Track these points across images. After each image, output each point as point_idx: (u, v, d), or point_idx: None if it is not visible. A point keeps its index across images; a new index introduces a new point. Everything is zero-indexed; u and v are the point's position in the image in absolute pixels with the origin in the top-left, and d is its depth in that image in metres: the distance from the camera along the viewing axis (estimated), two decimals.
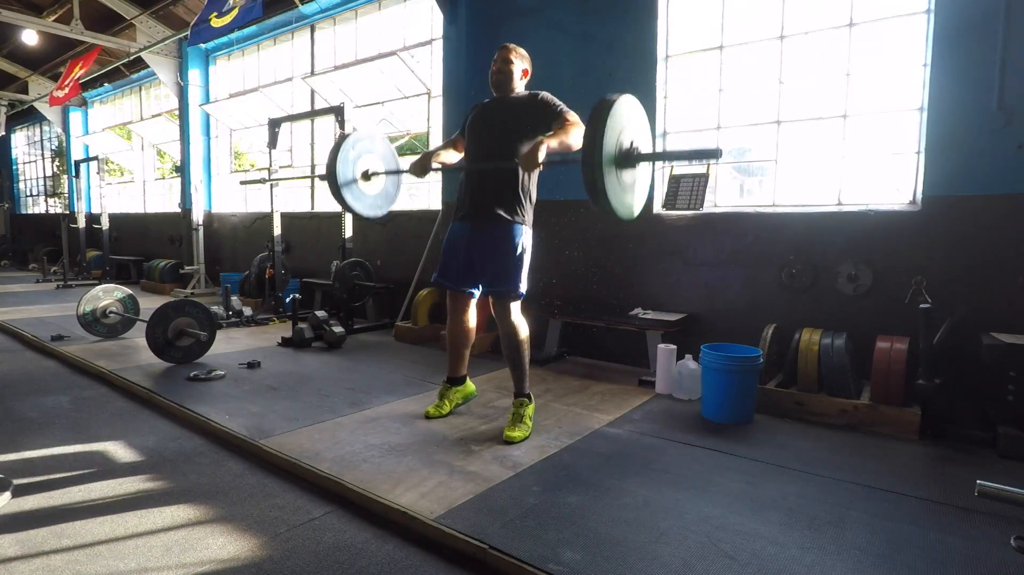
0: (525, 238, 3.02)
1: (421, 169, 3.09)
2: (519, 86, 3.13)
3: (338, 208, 6.01)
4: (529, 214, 3.05)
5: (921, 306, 3.10)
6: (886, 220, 3.63)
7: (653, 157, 2.56)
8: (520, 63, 3.11)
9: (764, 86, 4.20)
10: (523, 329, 3.07)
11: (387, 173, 3.36)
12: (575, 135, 2.72)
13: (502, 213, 2.97)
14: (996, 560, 1.94)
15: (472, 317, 3.25)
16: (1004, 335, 3.04)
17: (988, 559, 1.94)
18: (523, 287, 3.02)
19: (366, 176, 3.27)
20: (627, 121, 2.37)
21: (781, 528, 2.12)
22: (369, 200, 3.32)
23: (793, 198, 4.14)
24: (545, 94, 3.02)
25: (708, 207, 4.35)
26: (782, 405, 3.42)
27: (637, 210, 2.56)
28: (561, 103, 2.96)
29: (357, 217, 3.21)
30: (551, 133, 2.79)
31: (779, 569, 1.87)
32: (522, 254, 2.99)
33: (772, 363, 3.60)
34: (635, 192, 2.52)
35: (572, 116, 2.89)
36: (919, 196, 3.57)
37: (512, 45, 3.14)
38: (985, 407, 3.12)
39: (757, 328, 3.79)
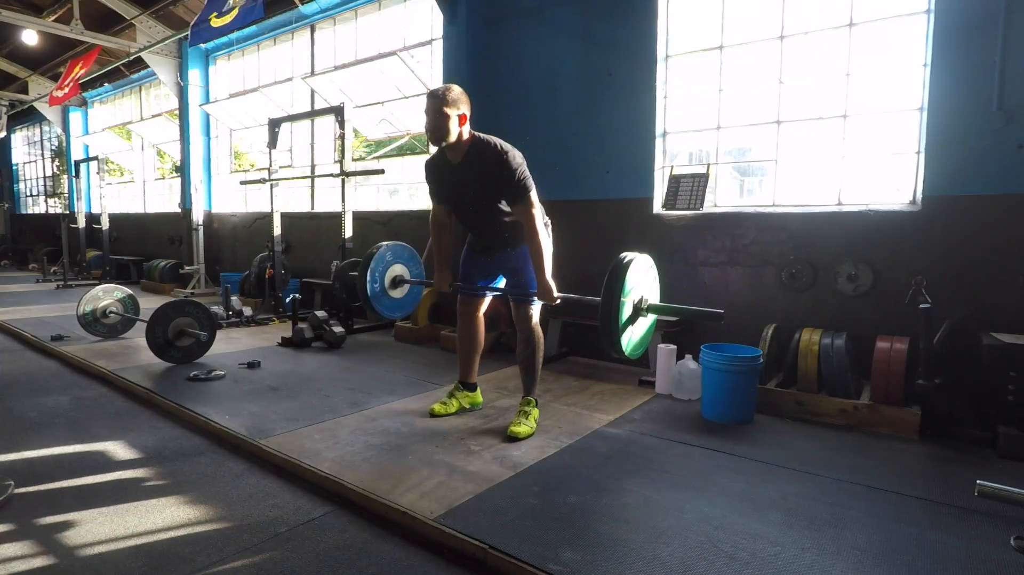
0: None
1: (449, 286, 3.24)
2: (462, 133, 2.84)
3: (338, 208, 6.05)
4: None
5: (921, 306, 3.10)
6: (886, 220, 3.63)
7: (661, 311, 2.77)
8: (455, 110, 2.77)
9: (764, 86, 4.20)
10: (541, 335, 3.16)
11: (414, 283, 3.64)
12: (542, 231, 2.87)
13: (513, 242, 3.07)
14: (996, 560, 1.94)
15: (481, 321, 3.36)
16: (1004, 335, 3.04)
17: (988, 559, 1.94)
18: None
19: (394, 284, 3.55)
20: (638, 280, 2.64)
21: (781, 528, 2.12)
22: (395, 302, 3.64)
23: (793, 198, 4.14)
24: (508, 159, 2.79)
25: (708, 207, 4.35)
26: (782, 405, 3.42)
27: (643, 348, 2.80)
28: (522, 173, 2.82)
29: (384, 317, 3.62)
30: (537, 268, 2.89)
31: (779, 569, 1.87)
32: None
33: (772, 363, 3.60)
34: (643, 333, 2.78)
35: (531, 199, 2.84)
36: (919, 196, 3.57)
37: (441, 91, 2.78)
38: (985, 407, 3.12)
39: (757, 328, 3.79)
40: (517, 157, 2.83)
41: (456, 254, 3.39)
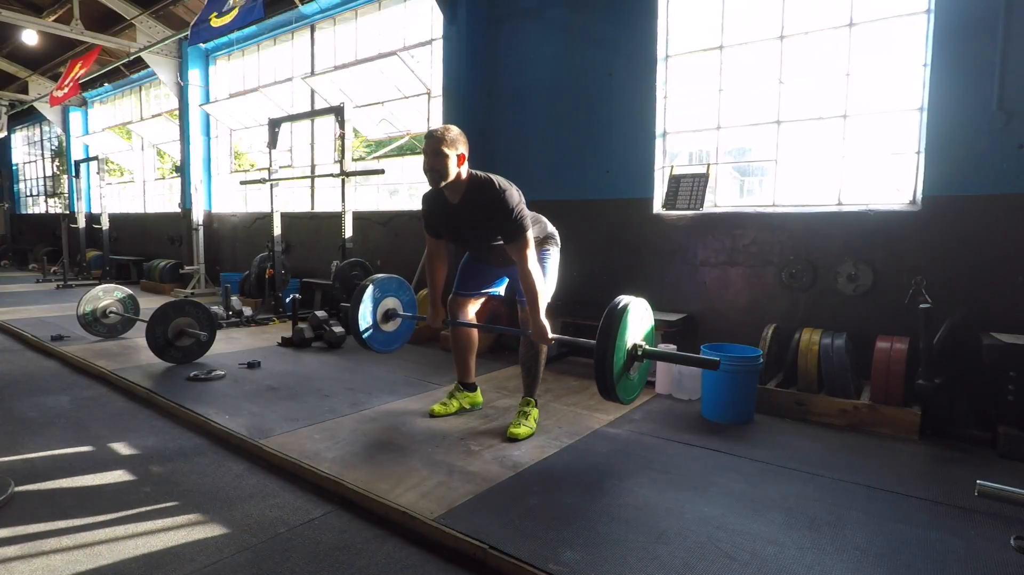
0: (543, 256, 3.12)
1: (442, 322, 3.23)
2: (461, 173, 2.79)
3: (338, 208, 6.05)
4: (539, 237, 3.11)
5: (921, 306, 3.10)
6: (886, 220, 3.63)
7: (656, 357, 2.81)
8: (453, 150, 2.73)
9: (764, 86, 4.20)
10: None
11: (407, 318, 3.53)
12: (536, 271, 2.82)
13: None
14: (996, 560, 1.94)
15: (473, 320, 3.33)
16: (1004, 335, 3.04)
17: (988, 559, 1.94)
18: (548, 296, 3.10)
19: (386, 318, 3.43)
20: (633, 326, 2.65)
21: (781, 528, 2.12)
22: (389, 335, 3.51)
23: (793, 198, 4.14)
24: (505, 198, 2.74)
25: (708, 207, 4.35)
26: (782, 405, 3.42)
27: (636, 393, 2.85)
28: (519, 213, 2.76)
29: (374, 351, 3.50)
30: (531, 309, 2.85)
31: (779, 569, 1.87)
32: (544, 269, 3.06)
33: (772, 363, 3.60)
34: (638, 378, 2.80)
35: (526, 239, 2.78)
36: (919, 196, 3.57)
37: (440, 131, 2.74)
38: (985, 407, 3.12)
39: (757, 328, 3.79)
40: (515, 196, 2.78)
41: (452, 272, 3.36)
